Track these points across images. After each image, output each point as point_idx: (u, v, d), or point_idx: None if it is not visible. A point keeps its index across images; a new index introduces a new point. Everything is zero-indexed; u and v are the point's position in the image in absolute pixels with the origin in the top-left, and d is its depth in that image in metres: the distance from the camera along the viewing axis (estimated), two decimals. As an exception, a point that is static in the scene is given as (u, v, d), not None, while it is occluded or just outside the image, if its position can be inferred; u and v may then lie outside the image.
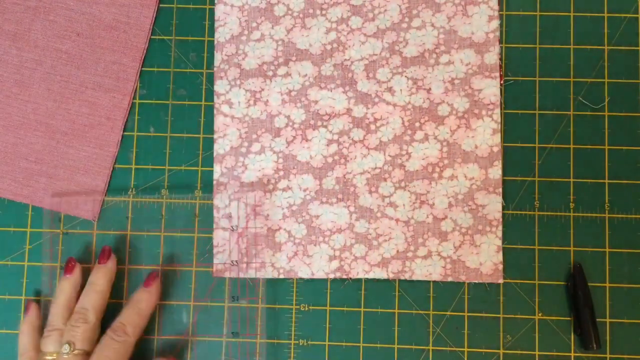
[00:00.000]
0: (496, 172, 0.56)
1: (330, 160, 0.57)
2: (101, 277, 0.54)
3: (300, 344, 0.55)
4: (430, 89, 0.57)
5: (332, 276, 0.56)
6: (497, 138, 0.57)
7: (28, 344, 0.53)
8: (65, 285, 0.54)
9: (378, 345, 0.55)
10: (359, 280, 0.56)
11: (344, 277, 0.56)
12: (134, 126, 0.58)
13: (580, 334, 0.54)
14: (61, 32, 0.58)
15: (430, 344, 0.55)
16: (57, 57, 0.58)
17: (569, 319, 0.55)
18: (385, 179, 0.56)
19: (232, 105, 0.58)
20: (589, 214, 0.56)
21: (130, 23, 0.59)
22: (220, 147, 0.57)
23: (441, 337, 0.55)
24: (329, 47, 0.58)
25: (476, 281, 0.55)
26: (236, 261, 0.56)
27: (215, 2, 0.59)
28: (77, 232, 0.57)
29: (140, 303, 0.53)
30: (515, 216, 0.56)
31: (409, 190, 0.56)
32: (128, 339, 0.51)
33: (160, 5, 0.59)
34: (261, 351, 0.55)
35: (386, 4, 0.58)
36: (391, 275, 0.56)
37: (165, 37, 0.59)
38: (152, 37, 0.59)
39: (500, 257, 0.55)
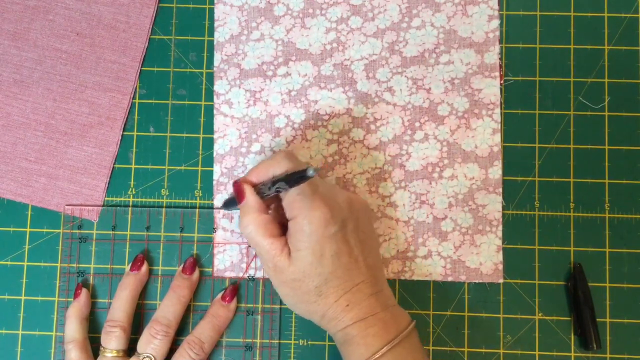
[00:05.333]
0: (496, 172, 0.56)
1: (330, 160, 0.57)
2: (186, 289, 0.54)
3: (301, 344, 0.55)
4: (430, 88, 0.57)
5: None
6: (497, 138, 0.57)
7: (76, 332, 0.53)
8: (131, 281, 0.54)
9: (378, 345, 0.55)
10: (359, 280, 0.56)
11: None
12: (134, 126, 0.58)
13: (580, 334, 0.54)
14: (61, 32, 0.58)
15: (430, 344, 0.55)
16: (57, 57, 0.58)
17: (569, 319, 0.55)
18: (385, 179, 0.56)
19: (232, 105, 0.57)
20: (589, 214, 0.56)
21: (130, 23, 0.59)
22: (220, 147, 0.57)
23: (441, 337, 0.55)
24: (328, 47, 0.58)
25: (476, 281, 0.55)
26: (252, 277, 0.56)
27: (215, 2, 0.59)
28: (81, 232, 0.57)
29: (218, 319, 0.54)
30: (515, 216, 0.56)
31: (409, 190, 0.56)
32: (204, 356, 0.52)
33: (160, 4, 0.59)
34: (268, 353, 0.55)
35: (386, 4, 0.58)
36: (391, 275, 0.55)
37: (165, 37, 0.59)
38: (152, 36, 0.59)
39: (500, 257, 0.55)
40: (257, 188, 0.49)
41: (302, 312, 0.50)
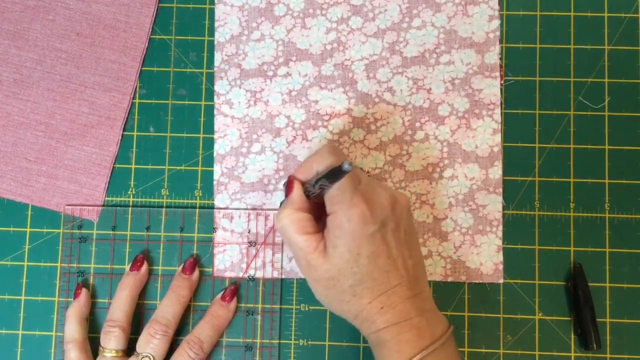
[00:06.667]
0: (496, 172, 0.56)
1: (330, 160, 0.57)
2: (186, 288, 0.54)
3: (300, 344, 0.55)
4: (430, 89, 0.57)
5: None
6: (497, 138, 0.57)
7: (75, 332, 0.53)
8: (130, 281, 0.54)
9: (378, 345, 0.55)
10: (359, 280, 0.56)
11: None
12: (134, 126, 0.58)
13: (580, 334, 0.54)
14: (61, 32, 0.58)
15: (431, 344, 0.55)
16: (57, 57, 0.58)
17: (569, 319, 0.55)
18: (385, 179, 0.56)
19: (232, 105, 0.57)
20: (589, 214, 0.56)
21: (130, 22, 0.59)
22: (220, 147, 0.57)
23: (441, 337, 0.55)
24: (329, 47, 0.58)
25: (476, 281, 0.55)
26: (252, 277, 0.56)
27: (215, 2, 0.59)
28: (81, 232, 0.56)
29: (218, 318, 0.54)
30: (515, 216, 0.56)
31: (409, 191, 0.56)
32: (203, 355, 0.52)
33: (160, 4, 0.59)
34: (268, 353, 0.55)
35: (386, 4, 0.58)
36: (391, 275, 0.55)
37: (165, 37, 0.59)
38: (152, 36, 0.59)
39: (500, 257, 0.55)
40: (305, 187, 0.48)
41: (336, 310, 0.49)
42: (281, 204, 0.54)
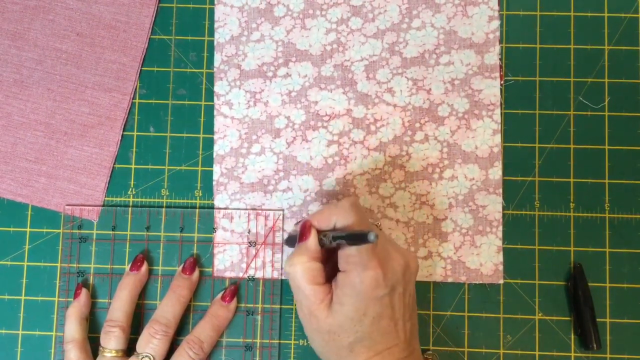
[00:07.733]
0: (496, 172, 0.56)
1: (330, 161, 0.57)
2: (186, 287, 0.54)
3: (301, 344, 0.55)
4: (430, 89, 0.57)
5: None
6: (497, 138, 0.57)
7: (75, 332, 0.53)
8: (130, 281, 0.54)
9: (378, 345, 0.55)
10: (359, 280, 0.56)
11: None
12: (134, 126, 0.58)
13: (580, 334, 0.54)
14: (61, 32, 0.58)
15: (430, 344, 0.55)
16: (57, 57, 0.58)
17: (569, 319, 0.55)
18: (385, 180, 0.56)
19: (232, 106, 0.57)
20: (589, 214, 0.56)
21: (130, 22, 0.59)
22: (220, 148, 0.57)
23: (441, 337, 0.55)
24: (328, 47, 0.58)
25: (476, 282, 0.55)
26: (252, 277, 0.56)
27: (215, 2, 0.59)
28: (81, 232, 0.57)
29: (218, 318, 0.54)
30: (515, 216, 0.56)
31: (409, 191, 0.56)
32: (203, 355, 0.52)
33: (160, 4, 0.59)
34: (268, 353, 0.55)
35: (386, 5, 0.58)
36: (391, 276, 0.55)
37: (165, 37, 0.59)
38: (152, 36, 0.59)
39: (500, 257, 0.55)
40: (319, 236, 0.48)
41: None
42: (288, 242, 0.54)
